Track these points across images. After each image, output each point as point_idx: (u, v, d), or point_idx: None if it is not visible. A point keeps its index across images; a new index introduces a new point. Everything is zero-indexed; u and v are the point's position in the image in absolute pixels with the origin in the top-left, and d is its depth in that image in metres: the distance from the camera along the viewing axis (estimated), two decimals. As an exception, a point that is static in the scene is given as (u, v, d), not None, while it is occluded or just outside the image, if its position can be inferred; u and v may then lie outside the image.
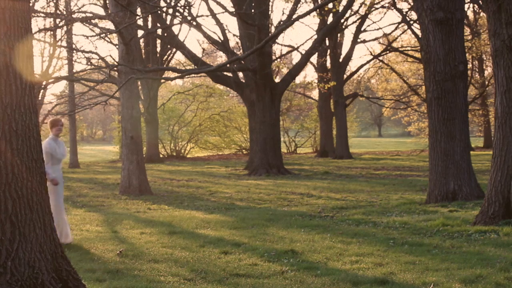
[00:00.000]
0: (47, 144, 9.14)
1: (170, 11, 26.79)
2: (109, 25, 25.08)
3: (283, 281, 6.54)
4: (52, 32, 26.01)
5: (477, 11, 38.60)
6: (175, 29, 31.64)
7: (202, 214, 12.19)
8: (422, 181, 18.71)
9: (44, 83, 28.03)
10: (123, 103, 17.18)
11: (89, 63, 23.50)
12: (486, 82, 40.20)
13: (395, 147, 53.25)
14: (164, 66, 31.38)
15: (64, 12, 25.03)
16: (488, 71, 42.62)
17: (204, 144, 44.05)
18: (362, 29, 35.50)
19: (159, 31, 30.58)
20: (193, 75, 38.58)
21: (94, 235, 9.68)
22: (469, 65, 38.81)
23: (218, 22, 25.86)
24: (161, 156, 37.00)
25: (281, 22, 25.09)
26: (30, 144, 5.39)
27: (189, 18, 24.53)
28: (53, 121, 9.42)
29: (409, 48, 38.86)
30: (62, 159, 9.31)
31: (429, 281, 6.30)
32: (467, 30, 35.75)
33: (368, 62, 38.29)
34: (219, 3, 26.09)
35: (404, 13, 32.42)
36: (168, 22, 28.91)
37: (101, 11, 30.86)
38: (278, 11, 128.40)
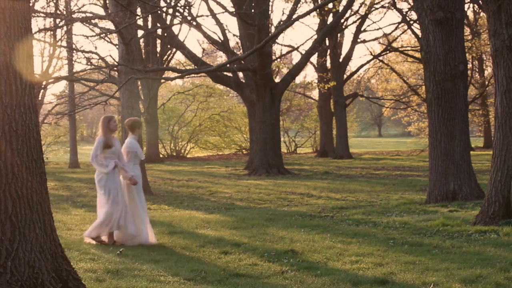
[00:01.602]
0: (132, 144, 9.20)
1: (170, 11, 26.79)
2: (109, 25, 25.06)
3: (283, 281, 6.54)
4: (52, 32, 26.01)
5: (477, 11, 38.58)
6: (175, 29, 31.63)
7: (202, 214, 12.20)
8: (422, 181, 18.71)
9: (44, 83, 28.03)
10: (123, 103, 17.18)
11: (89, 63, 23.50)
12: (486, 82, 40.18)
13: (395, 147, 53.22)
14: (164, 66, 31.38)
15: (64, 12, 25.04)
16: (488, 71, 42.60)
17: (204, 144, 44.05)
18: (362, 29, 35.49)
19: (159, 31, 30.57)
20: (193, 75, 38.59)
21: (94, 235, 9.66)
22: (469, 65, 38.80)
23: (218, 22, 25.87)
24: (161, 156, 36.99)
25: (281, 22, 25.10)
26: (30, 144, 5.39)
27: (189, 18, 24.54)
28: (138, 122, 9.48)
29: (409, 48, 38.84)
30: (141, 159, 9.35)
31: (429, 281, 6.29)
32: (467, 30, 35.72)
33: (368, 62, 38.28)
34: (219, 3, 26.10)
35: (404, 13, 32.41)
36: (168, 22, 28.90)
37: (101, 11, 30.80)
38: (278, 11, 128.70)
